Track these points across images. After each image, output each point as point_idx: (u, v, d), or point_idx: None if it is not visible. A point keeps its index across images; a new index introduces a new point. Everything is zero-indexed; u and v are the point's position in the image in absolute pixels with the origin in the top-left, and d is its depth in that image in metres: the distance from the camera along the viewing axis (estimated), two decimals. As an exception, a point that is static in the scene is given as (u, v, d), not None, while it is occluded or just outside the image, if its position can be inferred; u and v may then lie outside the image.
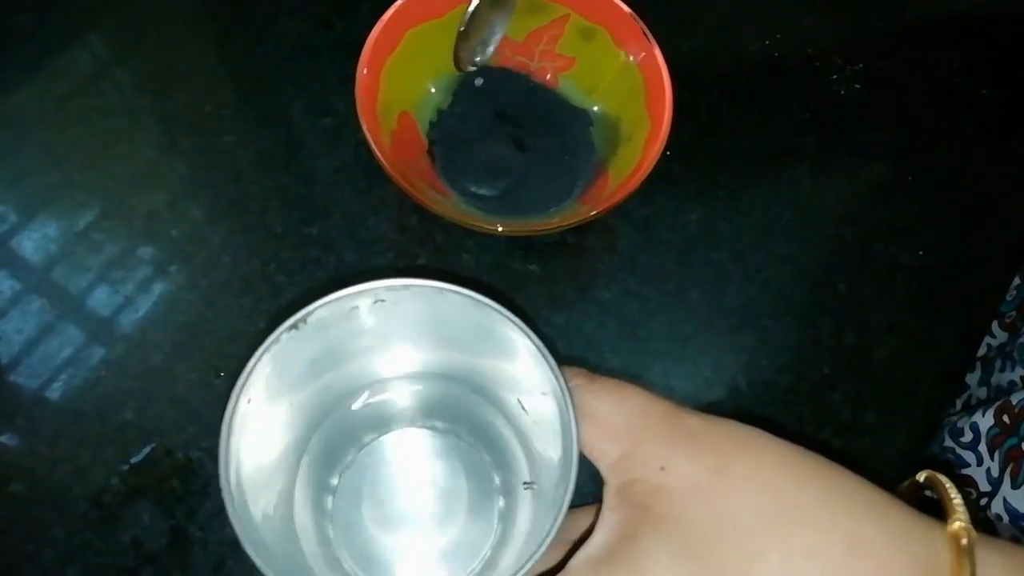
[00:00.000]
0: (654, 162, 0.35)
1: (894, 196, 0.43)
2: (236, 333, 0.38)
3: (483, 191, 0.40)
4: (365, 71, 0.36)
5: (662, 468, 0.22)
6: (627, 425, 0.23)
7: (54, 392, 0.37)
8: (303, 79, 0.44)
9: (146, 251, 0.40)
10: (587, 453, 0.24)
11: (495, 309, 0.25)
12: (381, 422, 0.33)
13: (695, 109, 0.44)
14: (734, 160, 0.43)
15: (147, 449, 0.36)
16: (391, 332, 0.28)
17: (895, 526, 0.20)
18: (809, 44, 0.46)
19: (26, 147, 0.41)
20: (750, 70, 0.45)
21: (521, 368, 0.26)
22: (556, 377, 0.23)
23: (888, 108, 0.45)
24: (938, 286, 0.41)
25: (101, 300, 0.39)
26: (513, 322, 0.24)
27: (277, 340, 0.24)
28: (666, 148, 0.35)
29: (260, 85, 0.43)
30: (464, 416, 0.32)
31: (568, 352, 0.39)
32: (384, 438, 0.33)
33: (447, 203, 0.37)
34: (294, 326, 0.24)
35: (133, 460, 0.36)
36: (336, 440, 0.32)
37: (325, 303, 0.24)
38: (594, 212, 0.34)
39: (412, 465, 0.32)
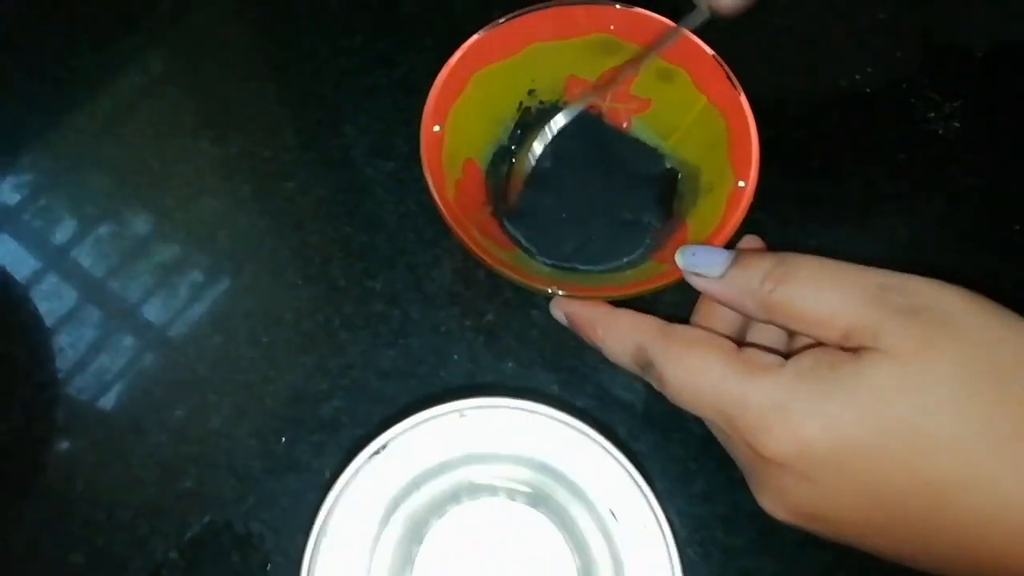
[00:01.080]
0: (740, 222, 0.32)
1: (997, 245, 0.40)
2: (298, 394, 0.37)
3: (548, 242, 0.37)
4: (431, 122, 0.34)
5: (876, 336, 0.23)
6: (836, 317, 0.24)
7: (113, 459, 0.36)
8: (365, 121, 0.42)
9: (204, 309, 0.38)
10: (811, 336, 0.25)
11: (584, 433, 0.23)
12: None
13: (779, 150, 0.41)
14: (824, 207, 0.40)
15: (206, 519, 0.35)
16: (476, 444, 0.26)
17: None
18: (902, 78, 0.43)
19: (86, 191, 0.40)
20: (838, 108, 0.42)
21: (613, 484, 0.25)
22: (651, 507, 0.22)
23: (991, 148, 0.41)
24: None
25: (159, 363, 0.37)
26: (606, 449, 0.22)
27: (356, 471, 0.22)
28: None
29: (320, 128, 0.41)
30: (551, 505, 0.30)
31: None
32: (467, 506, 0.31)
33: (509, 257, 0.35)
34: (376, 453, 0.22)
35: (192, 533, 0.34)
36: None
37: (405, 429, 0.22)
38: (672, 279, 0.31)
39: (495, 536, 0.30)
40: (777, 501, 0.25)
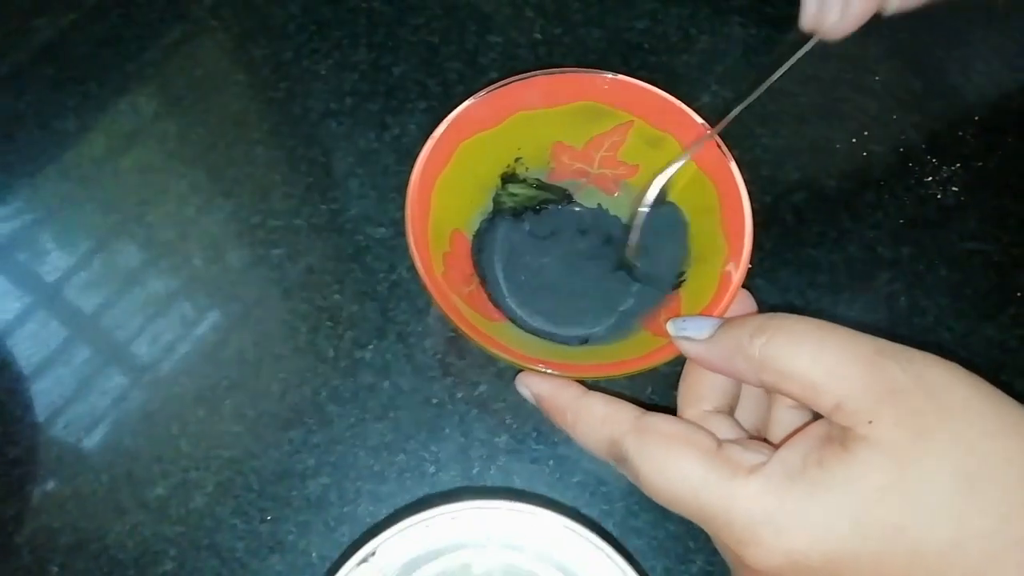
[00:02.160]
0: (732, 299, 0.31)
1: (1003, 315, 0.39)
2: (284, 471, 0.35)
3: (538, 314, 0.36)
4: (417, 195, 0.32)
5: (870, 422, 0.22)
6: (829, 380, 0.22)
7: (91, 540, 0.34)
8: (355, 186, 0.41)
9: (186, 379, 0.37)
10: (797, 401, 0.24)
11: (580, 535, 0.21)
12: None
13: (778, 214, 0.41)
14: (823, 273, 0.40)
15: (187, 606, 0.33)
16: (468, 537, 0.25)
17: None
18: (900, 142, 0.42)
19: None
20: (837, 171, 0.42)
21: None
22: None
23: (991, 213, 0.41)
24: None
25: (139, 437, 0.36)
26: (600, 548, 0.21)
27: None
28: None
29: (309, 193, 0.41)
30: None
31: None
32: None
33: (498, 331, 0.34)
34: (364, 560, 0.21)
35: (172, 621, 0.33)
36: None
37: (395, 533, 0.21)
38: (665, 356, 0.30)
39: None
40: None
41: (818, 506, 0.21)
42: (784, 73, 0.34)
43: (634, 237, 0.35)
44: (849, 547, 0.21)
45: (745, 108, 0.43)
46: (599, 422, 0.26)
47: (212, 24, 0.45)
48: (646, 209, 0.35)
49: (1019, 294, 0.39)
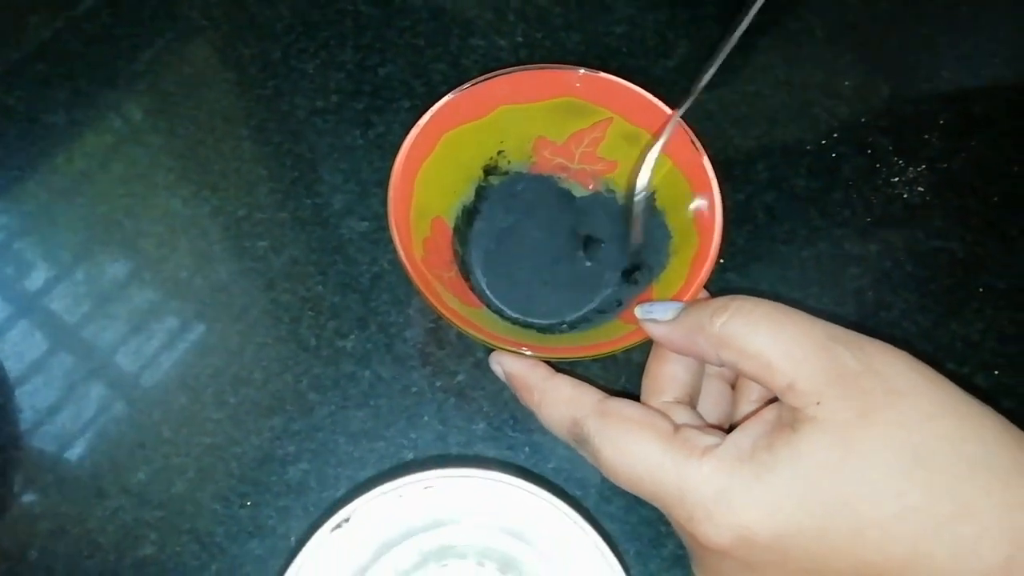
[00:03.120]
0: (701, 287, 0.32)
1: (966, 310, 0.40)
2: (265, 457, 0.36)
3: (515, 303, 0.37)
4: (400, 180, 0.34)
5: (817, 403, 0.23)
6: (784, 360, 0.23)
7: (72, 524, 0.35)
8: (339, 181, 0.42)
9: (171, 369, 0.38)
10: (753, 379, 0.25)
11: (552, 504, 0.22)
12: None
13: (750, 212, 0.42)
14: (793, 269, 0.41)
15: (167, 588, 0.34)
16: (443, 512, 0.26)
17: (1012, 499, 0.21)
18: (868, 143, 0.44)
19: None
20: (807, 171, 0.43)
21: (581, 554, 0.24)
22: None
23: (957, 213, 0.42)
24: (1017, 409, 0.38)
25: (122, 423, 0.37)
26: (574, 521, 0.22)
27: (318, 545, 0.21)
28: (719, 255, 0.32)
29: (295, 187, 0.42)
30: (523, 570, 0.30)
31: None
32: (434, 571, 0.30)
33: (477, 316, 0.35)
34: (338, 526, 0.22)
35: (151, 602, 0.33)
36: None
37: (371, 498, 0.22)
38: (637, 339, 0.31)
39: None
40: None
41: (766, 484, 0.22)
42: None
43: (636, 227, 0.36)
44: (795, 522, 0.22)
45: (719, 110, 0.45)
46: (564, 403, 0.27)
47: (202, 23, 0.46)
48: (643, 195, 0.36)
49: (981, 290, 0.41)
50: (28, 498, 0.35)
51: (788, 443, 0.23)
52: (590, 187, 0.39)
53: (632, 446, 0.25)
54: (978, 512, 0.21)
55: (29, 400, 0.37)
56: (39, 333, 0.38)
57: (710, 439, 0.25)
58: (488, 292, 0.37)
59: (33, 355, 0.38)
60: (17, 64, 0.44)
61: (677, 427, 0.26)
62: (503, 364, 0.30)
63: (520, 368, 0.30)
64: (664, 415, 0.27)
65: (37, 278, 0.39)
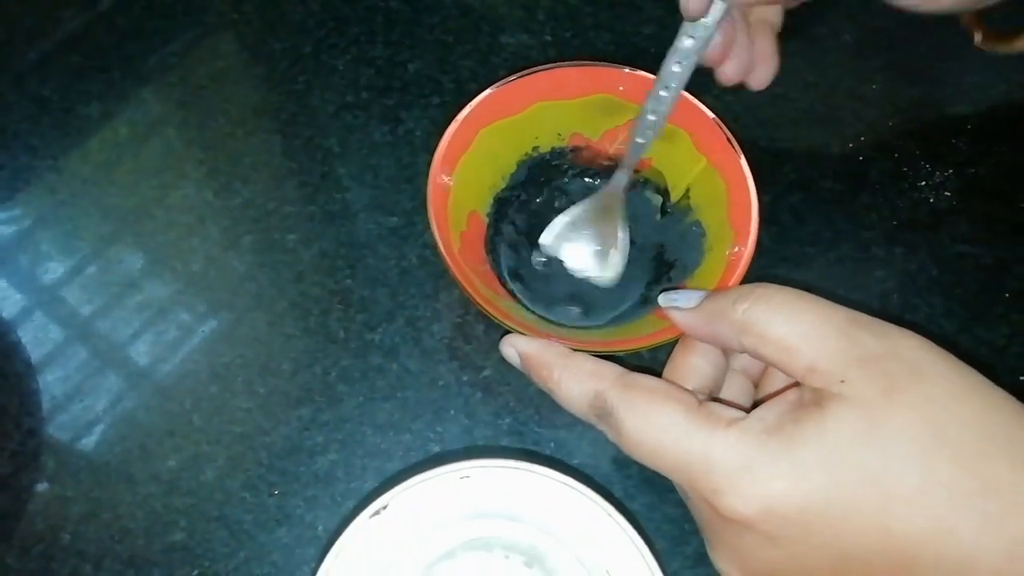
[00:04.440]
0: (743, 275, 0.33)
1: (991, 315, 0.40)
2: (293, 447, 0.36)
3: (549, 296, 0.38)
4: (440, 173, 0.34)
5: (842, 381, 0.23)
6: (804, 344, 0.24)
7: (103, 510, 0.35)
8: (369, 177, 0.42)
9: (202, 359, 0.38)
10: (774, 365, 0.25)
11: (583, 494, 0.23)
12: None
13: (776, 213, 0.42)
14: (819, 270, 0.41)
15: (195, 574, 0.34)
16: (474, 503, 0.26)
17: None
18: (894, 147, 0.44)
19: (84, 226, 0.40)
20: (833, 173, 0.43)
21: (610, 545, 0.24)
22: (650, 569, 0.22)
23: (983, 218, 0.42)
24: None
25: (153, 411, 0.37)
26: (605, 510, 0.22)
27: (356, 531, 0.22)
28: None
29: (324, 182, 0.42)
30: (548, 565, 0.30)
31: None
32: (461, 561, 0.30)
33: (512, 310, 0.35)
34: (376, 513, 0.22)
35: (181, 587, 0.34)
36: None
37: (409, 485, 0.22)
38: (670, 336, 0.32)
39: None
40: (735, 562, 0.25)
41: (793, 457, 0.22)
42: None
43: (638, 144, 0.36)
44: (822, 495, 0.22)
45: (745, 111, 0.45)
46: (586, 375, 0.27)
47: (233, 17, 0.46)
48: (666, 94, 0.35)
49: (1007, 295, 0.41)
50: (60, 482, 0.36)
51: (815, 417, 0.23)
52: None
53: (656, 417, 0.25)
54: (1004, 488, 0.21)
55: (58, 387, 0.37)
56: (60, 323, 0.39)
57: (736, 412, 0.25)
58: (520, 285, 0.38)
59: (57, 342, 0.38)
60: (51, 56, 0.45)
61: (700, 400, 0.26)
62: (517, 346, 0.30)
63: (536, 347, 0.29)
64: (687, 390, 0.27)
65: (63, 266, 0.40)
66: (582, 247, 0.38)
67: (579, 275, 0.38)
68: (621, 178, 0.37)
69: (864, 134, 0.44)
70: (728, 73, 0.36)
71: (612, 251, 0.38)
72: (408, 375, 0.38)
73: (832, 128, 0.45)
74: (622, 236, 0.38)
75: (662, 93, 0.34)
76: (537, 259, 0.38)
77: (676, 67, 0.34)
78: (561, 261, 0.38)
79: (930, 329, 0.40)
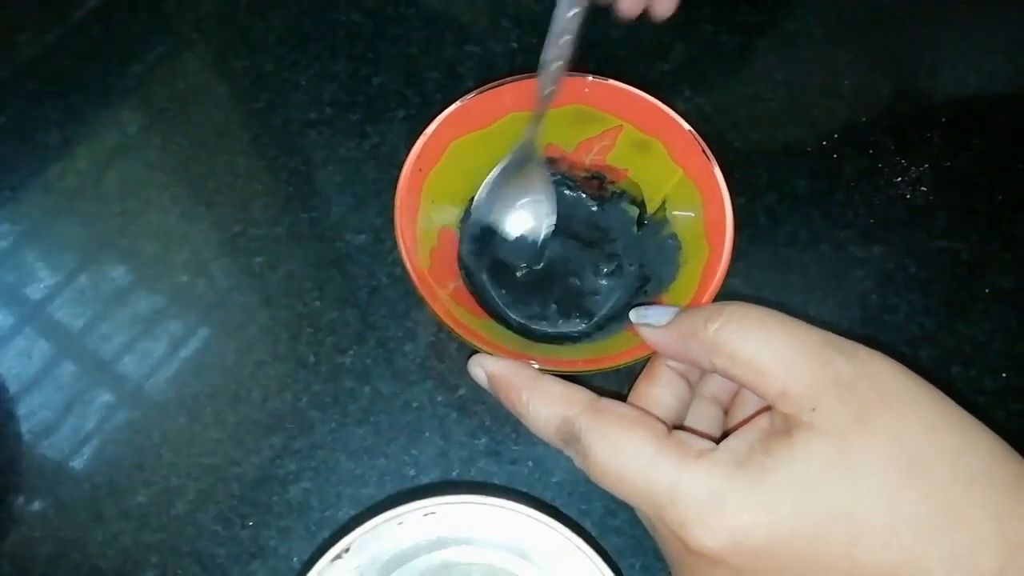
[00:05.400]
0: (712, 299, 0.32)
1: (972, 312, 0.40)
2: (265, 477, 0.36)
3: (524, 313, 0.37)
4: (407, 190, 0.33)
5: (813, 409, 0.22)
6: (776, 365, 0.23)
7: (72, 550, 0.34)
8: (335, 194, 0.41)
9: (169, 389, 0.37)
10: (745, 386, 0.24)
11: (554, 529, 0.22)
12: None
13: (752, 215, 0.42)
14: (796, 272, 0.40)
15: (169, 612, 0.33)
16: (445, 534, 0.25)
17: (1008, 510, 0.21)
18: (869, 144, 0.43)
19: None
20: (808, 172, 0.43)
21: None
22: None
23: (961, 213, 0.42)
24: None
25: (121, 446, 0.36)
26: (575, 545, 0.22)
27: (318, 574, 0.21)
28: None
29: (290, 202, 0.41)
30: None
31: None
32: None
33: (484, 327, 0.34)
34: (338, 556, 0.21)
35: (153, 627, 0.33)
36: None
37: (369, 529, 0.22)
38: (647, 352, 0.31)
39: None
40: None
41: (762, 489, 0.22)
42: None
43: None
44: (790, 527, 0.22)
45: (717, 113, 0.44)
46: (555, 400, 0.27)
47: (193, 37, 0.45)
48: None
49: (987, 291, 0.40)
50: (28, 522, 0.35)
51: (785, 447, 0.22)
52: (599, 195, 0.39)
53: (624, 444, 0.24)
54: (974, 522, 0.21)
55: (27, 424, 0.37)
56: (38, 348, 0.38)
57: (705, 443, 0.24)
58: (495, 301, 0.37)
59: (30, 373, 0.38)
60: (7, 82, 0.44)
61: (670, 429, 0.25)
62: (485, 366, 0.29)
63: (504, 368, 0.29)
64: (657, 418, 0.26)
65: (32, 293, 0.39)
66: (511, 206, 0.37)
67: (518, 235, 0.37)
68: (532, 130, 0.36)
69: (838, 131, 0.44)
70: (625, 5, 0.34)
71: (540, 199, 0.37)
72: (381, 398, 0.37)
73: (806, 126, 0.44)
74: (543, 182, 0.37)
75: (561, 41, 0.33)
76: (520, 266, 0.38)
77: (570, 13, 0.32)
78: (505, 234, 0.37)
79: (910, 328, 0.39)
